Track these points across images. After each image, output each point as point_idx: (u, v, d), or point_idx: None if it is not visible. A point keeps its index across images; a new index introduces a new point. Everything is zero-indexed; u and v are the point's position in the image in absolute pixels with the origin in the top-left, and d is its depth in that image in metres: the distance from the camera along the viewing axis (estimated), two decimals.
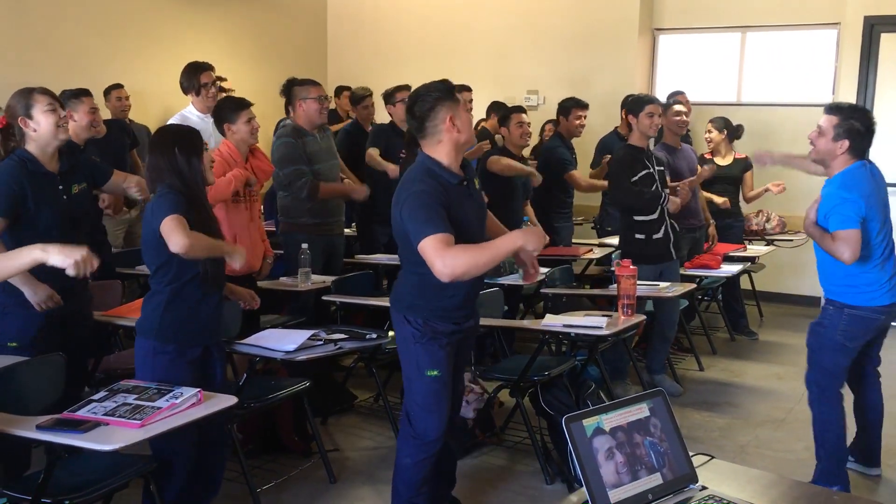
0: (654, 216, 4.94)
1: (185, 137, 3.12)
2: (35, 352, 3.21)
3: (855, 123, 3.57)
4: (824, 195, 3.59)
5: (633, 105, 5.02)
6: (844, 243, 3.46)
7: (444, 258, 2.79)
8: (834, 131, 3.57)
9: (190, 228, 2.92)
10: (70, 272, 2.44)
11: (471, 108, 6.36)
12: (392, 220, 3.07)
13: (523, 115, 5.63)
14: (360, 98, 6.49)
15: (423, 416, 3.15)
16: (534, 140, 6.82)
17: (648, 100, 5.06)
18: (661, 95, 7.48)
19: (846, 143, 3.56)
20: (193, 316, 3.05)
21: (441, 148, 3.02)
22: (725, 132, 6.46)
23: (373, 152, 5.74)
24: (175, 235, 2.86)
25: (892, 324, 3.80)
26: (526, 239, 2.89)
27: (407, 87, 5.91)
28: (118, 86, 6.59)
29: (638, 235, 4.95)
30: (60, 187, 3.37)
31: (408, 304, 3.14)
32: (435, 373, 3.10)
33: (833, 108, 3.66)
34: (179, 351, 3.02)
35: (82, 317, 3.58)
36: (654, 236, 4.94)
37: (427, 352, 3.10)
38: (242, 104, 4.34)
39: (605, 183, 6.07)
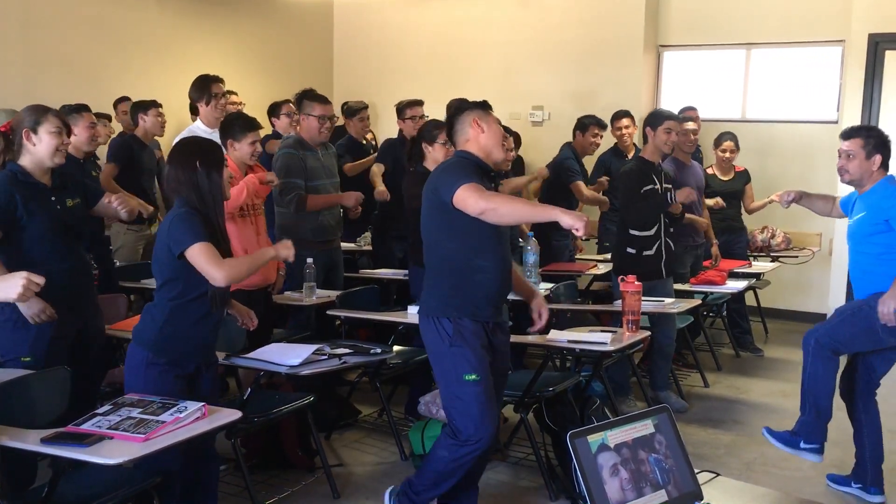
0: (650, 233, 4.90)
1: (208, 151, 3.11)
2: (48, 367, 3.19)
3: (879, 138, 3.75)
4: (881, 196, 3.67)
5: (652, 119, 4.99)
6: None
7: (488, 199, 2.94)
8: (864, 151, 3.72)
9: None
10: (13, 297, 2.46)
11: None
12: (423, 211, 3.19)
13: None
14: (355, 111, 6.44)
15: (467, 422, 3.10)
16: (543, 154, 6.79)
17: (668, 115, 5.01)
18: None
19: (879, 157, 3.72)
20: (191, 333, 3.04)
21: (470, 145, 3.21)
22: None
23: (376, 169, 5.76)
24: (211, 269, 2.87)
25: None
26: (566, 214, 2.94)
27: (420, 102, 5.92)
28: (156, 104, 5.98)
29: (629, 250, 4.92)
30: (53, 198, 3.42)
31: (439, 305, 3.17)
32: (473, 377, 3.09)
33: (851, 132, 3.80)
34: (170, 365, 3.00)
35: (96, 331, 3.60)
36: (645, 253, 4.89)
37: (462, 355, 3.11)
38: (253, 125, 4.36)
39: (606, 199, 6.07)
